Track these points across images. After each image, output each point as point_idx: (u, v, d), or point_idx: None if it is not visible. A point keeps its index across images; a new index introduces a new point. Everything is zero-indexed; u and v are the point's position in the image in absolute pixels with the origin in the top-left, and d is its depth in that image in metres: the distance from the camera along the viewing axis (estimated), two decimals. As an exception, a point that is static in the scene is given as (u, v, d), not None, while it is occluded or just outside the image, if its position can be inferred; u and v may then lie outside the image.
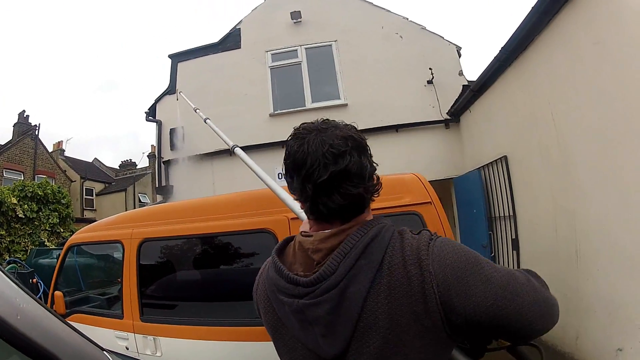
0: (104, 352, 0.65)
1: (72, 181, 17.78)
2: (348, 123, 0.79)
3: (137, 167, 23.18)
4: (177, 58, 6.75)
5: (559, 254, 3.33)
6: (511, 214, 4.25)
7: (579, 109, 2.98)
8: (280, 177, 5.70)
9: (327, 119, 0.78)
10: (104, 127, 77.97)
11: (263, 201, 1.95)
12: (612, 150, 2.64)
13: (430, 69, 5.93)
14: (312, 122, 0.78)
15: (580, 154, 3.02)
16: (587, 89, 2.85)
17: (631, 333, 2.46)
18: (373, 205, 1.73)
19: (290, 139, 0.76)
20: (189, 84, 6.52)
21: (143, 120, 6.62)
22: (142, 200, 19.26)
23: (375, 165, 0.77)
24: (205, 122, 3.30)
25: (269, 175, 1.71)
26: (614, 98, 2.56)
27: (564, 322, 3.19)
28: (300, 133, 0.75)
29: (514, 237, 4.23)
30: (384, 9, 6.53)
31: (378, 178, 0.77)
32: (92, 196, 19.54)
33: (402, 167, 5.47)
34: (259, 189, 1.96)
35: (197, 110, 3.80)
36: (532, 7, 3.29)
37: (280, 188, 1.57)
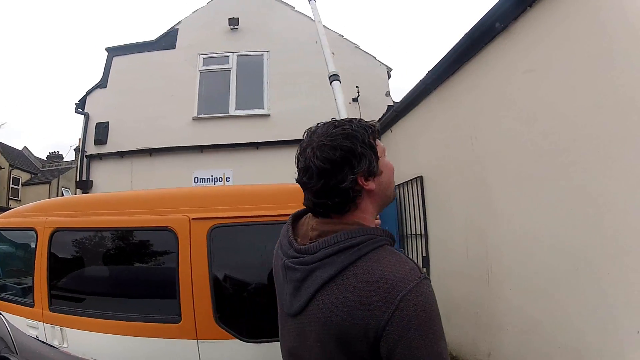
0: None
1: (1, 168, 17.06)
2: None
3: (64, 159, 22.34)
4: (114, 52, 6.69)
5: (470, 272, 3.37)
6: (423, 232, 4.36)
7: (497, 134, 3.05)
8: (196, 181, 5.73)
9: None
10: (41, 115, 71.53)
11: (167, 200, 2.02)
12: (525, 172, 2.68)
13: (357, 87, 6.08)
14: None
15: (494, 176, 3.08)
16: (508, 116, 2.91)
17: (546, 353, 2.43)
18: (255, 212, 1.87)
19: None
20: (122, 79, 6.48)
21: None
22: (64, 195, 18.45)
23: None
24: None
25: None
26: (530, 125, 2.64)
27: (474, 337, 3.15)
28: None
29: (424, 254, 4.34)
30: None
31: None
32: (18, 186, 18.77)
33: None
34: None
35: None
36: (465, 34, 3.31)
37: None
